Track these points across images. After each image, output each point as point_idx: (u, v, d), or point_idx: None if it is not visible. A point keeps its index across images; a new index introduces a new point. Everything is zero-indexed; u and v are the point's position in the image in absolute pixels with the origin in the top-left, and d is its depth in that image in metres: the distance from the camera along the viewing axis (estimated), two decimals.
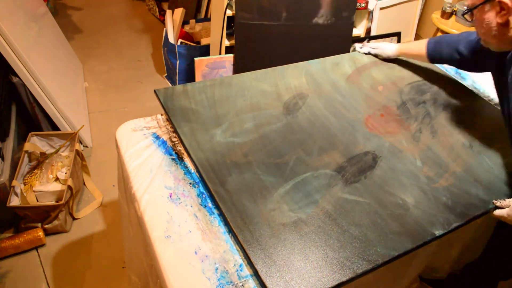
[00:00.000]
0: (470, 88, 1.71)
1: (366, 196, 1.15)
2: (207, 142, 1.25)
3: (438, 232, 1.08)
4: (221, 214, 1.06)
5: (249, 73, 1.58)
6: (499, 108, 1.62)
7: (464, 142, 1.40)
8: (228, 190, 1.11)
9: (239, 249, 0.98)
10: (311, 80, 1.59)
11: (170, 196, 1.08)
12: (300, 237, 1.02)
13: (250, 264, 0.95)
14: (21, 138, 2.24)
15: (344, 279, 0.94)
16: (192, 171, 1.17)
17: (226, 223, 1.04)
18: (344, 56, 1.78)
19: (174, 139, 1.27)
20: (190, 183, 1.13)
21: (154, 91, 1.42)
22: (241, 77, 1.56)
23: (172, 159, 1.20)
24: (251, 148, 1.25)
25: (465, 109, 1.56)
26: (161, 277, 0.93)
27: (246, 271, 0.94)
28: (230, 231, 1.02)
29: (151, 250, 0.98)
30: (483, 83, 1.77)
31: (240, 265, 0.95)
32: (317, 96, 1.51)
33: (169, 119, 1.33)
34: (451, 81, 1.70)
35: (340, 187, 1.17)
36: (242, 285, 0.91)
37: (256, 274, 0.93)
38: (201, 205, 1.07)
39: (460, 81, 1.72)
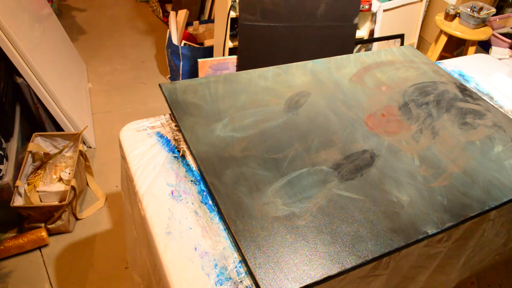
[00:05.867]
0: (473, 90, 1.70)
1: (361, 193, 1.15)
2: (207, 136, 1.26)
3: (431, 231, 1.07)
4: (216, 205, 1.07)
5: (253, 70, 1.59)
6: (501, 110, 1.62)
7: (465, 143, 1.40)
8: (224, 183, 1.12)
9: (235, 244, 0.99)
10: (315, 79, 1.59)
11: (172, 193, 1.09)
12: (292, 230, 1.03)
13: (241, 255, 0.96)
14: (25, 139, 2.25)
15: (332, 273, 0.95)
16: (194, 168, 1.18)
17: (220, 214, 1.05)
18: (350, 56, 1.78)
19: (177, 137, 1.28)
20: (192, 181, 1.14)
21: (159, 85, 1.44)
22: (245, 74, 1.57)
23: (175, 157, 1.21)
24: (249, 143, 1.26)
25: (467, 111, 1.56)
26: (161, 272, 0.94)
27: (245, 267, 0.95)
28: (224, 222, 1.03)
29: (152, 246, 0.99)
30: (486, 86, 1.77)
31: (239, 262, 0.95)
32: (320, 94, 1.51)
33: (172, 113, 1.34)
34: (455, 84, 1.69)
35: (335, 184, 1.17)
36: (241, 281, 0.91)
37: (246, 265, 0.94)
38: (202, 202, 1.08)
39: (464, 83, 1.71)
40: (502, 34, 2.89)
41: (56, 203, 2.04)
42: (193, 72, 2.98)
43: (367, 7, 2.83)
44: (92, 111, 2.83)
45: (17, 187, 1.91)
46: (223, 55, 2.69)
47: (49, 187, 2.06)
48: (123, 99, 3.01)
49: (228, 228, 1.01)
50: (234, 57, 2.65)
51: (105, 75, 3.23)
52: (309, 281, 0.92)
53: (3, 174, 1.89)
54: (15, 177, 1.96)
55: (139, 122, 1.33)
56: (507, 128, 1.49)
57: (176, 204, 1.07)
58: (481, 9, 2.73)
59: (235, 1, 2.48)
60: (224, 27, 2.57)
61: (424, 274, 1.31)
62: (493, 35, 2.85)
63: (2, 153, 1.92)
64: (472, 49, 2.90)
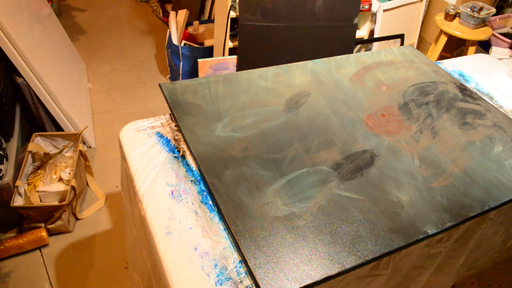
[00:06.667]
0: (473, 90, 1.70)
1: (361, 193, 1.15)
2: (207, 136, 1.26)
3: (431, 231, 1.08)
4: (216, 205, 1.07)
5: (253, 70, 1.59)
6: (501, 110, 1.62)
7: (465, 143, 1.40)
8: (224, 183, 1.12)
9: (235, 244, 1.00)
10: (315, 79, 1.59)
11: (172, 193, 1.09)
12: (292, 230, 1.03)
13: (241, 255, 0.96)
14: (25, 139, 2.25)
15: (332, 273, 0.95)
16: (194, 168, 1.18)
17: (220, 214, 1.05)
18: (350, 56, 1.78)
19: (177, 137, 1.28)
20: (192, 181, 1.14)
21: (159, 85, 1.44)
22: (245, 74, 1.57)
23: (175, 157, 1.21)
24: (249, 143, 1.26)
25: (467, 111, 1.56)
26: (161, 272, 0.94)
27: (245, 267, 0.95)
28: (224, 222, 1.03)
29: (152, 246, 0.99)
30: (486, 86, 1.77)
31: (239, 262, 0.95)
32: (320, 94, 1.51)
33: (172, 113, 1.34)
34: (455, 83, 1.69)
35: (335, 184, 1.17)
36: (241, 281, 0.91)
37: (246, 265, 0.94)
38: (202, 202, 1.08)
39: (464, 83, 1.71)
40: (502, 34, 2.89)
41: (56, 203, 2.04)
42: (193, 72, 2.98)
43: (367, 7, 2.82)
44: (92, 111, 2.83)
45: (17, 187, 1.91)
46: (223, 55, 2.69)
47: (49, 187, 2.06)
48: (123, 99, 3.01)
49: (228, 228, 1.01)
50: (234, 57, 2.65)
51: (105, 75, 3.23)
52: (309, 281, 0.92)
53: (3, 174, 1.89)
54: (15, 177, 1.96)
55: (139, 122, 1.33)
56: (507, 128, 1.49)
57: (176, 204, 1.07)
58: (481, 9, 2.73)
59: (235, 1, 2.48)
60: (224, 27, 2.57)
61: (424, 275, 1.31)
62: (493, 35, 2.85)
63: (2, 153, 1.92)
64: (472, 49, 2.90)
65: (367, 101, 1.52)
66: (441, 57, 3.08)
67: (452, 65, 1.88)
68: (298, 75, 1.60)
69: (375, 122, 1.43)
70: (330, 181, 1.18)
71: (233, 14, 2.52)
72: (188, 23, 3.15)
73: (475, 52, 2.83)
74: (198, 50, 2.94)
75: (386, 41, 3.05)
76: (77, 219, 2.11)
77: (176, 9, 3.24)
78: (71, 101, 2.44)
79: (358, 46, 3.09)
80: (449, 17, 2.88)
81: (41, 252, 1.95)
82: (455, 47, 3.37)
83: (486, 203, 1.18)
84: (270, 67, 1.62)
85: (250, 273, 0.93)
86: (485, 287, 2.03)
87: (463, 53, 3.15)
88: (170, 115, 1.36)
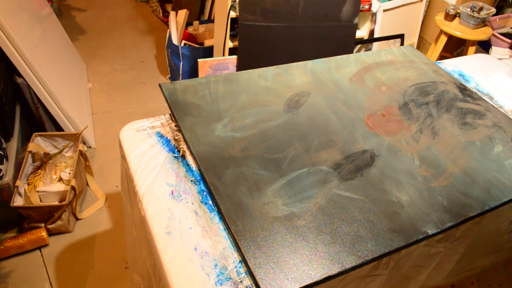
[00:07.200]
0: (473, 90, 1.71)
1: (361, 193, 1.15)
2: (207, 136, 1.26)
3: (431, 231, 1.08)
4: (216, 205, 1.07)
5: (253, 70, 1.59)
6: (501, 110, 1.62)
7: (465, 143, 1.40)
8: (224, 183, 1.12)
9: (235, 244, 1.00)
10: (315, 79, 1.59)
11: (172, 193, 1.09)
12: (292, 230, 1.03)
13: (241, 255, 0.96)
14: (25, 139, 2.25)
15: (332, 273, 0.95)
16: (194, 168, 1.18)
17: (220, 214, 1.05)
18: (350, 56, 1.78)
19: (177, 137, 1.28)
20: (192, 181, 1.14)
21: (159, 85, 1.44)
22: (245, 74, 1.57)
23: (175, 157, 1.21)
24: (249, 143, 1.26)
25: (467, 111, 1.56)
26: (161, 272, 0.94)
27: (245, 267, 0.95)
28: (224, 222, 1.03)
29: (152, 246, 0.99)
30: (486, 86, 1.77)
31: (239, 262, 0.95)
32: (320, 94, 1.51)
33: (172, 113, 1.34)
34: (455, 83, 1.69)
35: (335, 184, 1.17)
36: (241, 281, 0.91)
37: (246, 265, 0.94)
38: (202, 202, 1.08)
39: (464, 83, 1.71)
40: (502, 34, 2.89)
41: (56, 203, 2.04)
42: (193, 72, 2.98)
43: (367, 7, 2.83)
44: (92, 111, 2.83)
45: (17, 187, 1.91)
46: (223, 55, 2.69)
47: (49, 187, 2.06)
48: (123, 99, 3.01)
49: (228, 228, 1.01)
50: (234, 57, 2.65)
51: (105, 75, 3.23)
52: (309, 281, 0.92)
53: (3, 174, 1.89)
54: (15, 177, 1.96)
55: (139, 122, 1.33)
56: (507, 128, 1.49)
57: (176, 204, 1.07)
58: (481, 9, 2.73)
59: (235, 1, 2.48)
60: (224, 27, 2.57)
61: (423, 273, 1.31)
62: (493, 35, 2.85)
63: (2, 153, 1.92)
64: (472, 49, 2.91)
65: (367, 101, 1.52)
66: (441, 57, 3.08)
67: (452, 65, 1.88)
68: (298, 75, 1.60)
69: (375, 122, 1.43)
70: (330, 181, 1.18)
71: (233, 14, 2.52)
72: (188, 23, 3.15)
73: (475, 52, 2.84)
74: (198, 50, 2.94)
75: (386, 41, 3.05)
76: (77, 219, 2.11)
77: (176, 9, 3.24)
78: (71, 101, 2.44)
79: (358, 46, 3.09)
80: (449, 17, 2.88)
81: (41, 252, 1.95)
82: (455, 47, 3.37)
83: (486, 203, 1.18)
84: (270, 67, 1.62)
85: (250, 273, 0.93)
86: (485, 287, 2.03)
87: (463, 53, 3.15)
88: (170, 115, 1.36)
